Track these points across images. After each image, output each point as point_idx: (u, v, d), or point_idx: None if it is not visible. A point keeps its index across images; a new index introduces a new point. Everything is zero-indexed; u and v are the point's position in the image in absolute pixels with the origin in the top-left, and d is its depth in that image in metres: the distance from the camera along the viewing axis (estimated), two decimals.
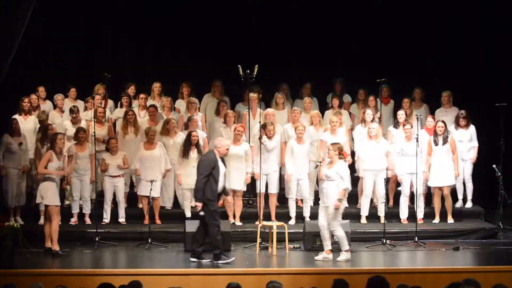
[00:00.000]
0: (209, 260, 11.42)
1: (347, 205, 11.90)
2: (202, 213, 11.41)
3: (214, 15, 15.35)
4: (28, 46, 13.06)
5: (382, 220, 13.24)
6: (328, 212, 11.54)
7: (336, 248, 11.62)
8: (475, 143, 13.83)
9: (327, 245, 11.59)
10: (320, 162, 12.00)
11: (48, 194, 11.76)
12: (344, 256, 11.52)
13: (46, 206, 11.88)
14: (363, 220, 13.42)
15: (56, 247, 11.80)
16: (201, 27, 15.43)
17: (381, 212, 13.34)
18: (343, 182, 11.45)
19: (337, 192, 11.44)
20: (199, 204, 11.40)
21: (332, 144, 11.84)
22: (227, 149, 11.75)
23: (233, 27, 15.31)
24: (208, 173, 11.37)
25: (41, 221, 13.11)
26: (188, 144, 13.18)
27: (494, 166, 13.30)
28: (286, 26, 15.42)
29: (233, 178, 12.97)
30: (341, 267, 11.23)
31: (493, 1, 14.41)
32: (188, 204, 13.36)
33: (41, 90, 14.48)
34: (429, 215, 13.59)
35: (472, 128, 13.80)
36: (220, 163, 11.57)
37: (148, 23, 15.28)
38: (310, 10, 15.37)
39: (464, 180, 13.88)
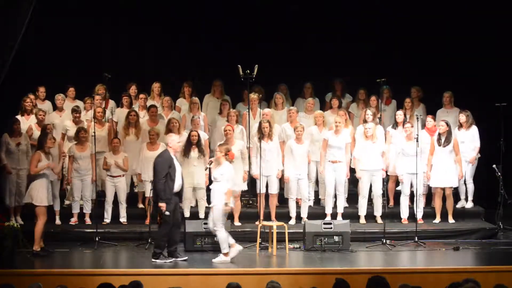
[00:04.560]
0: (184, 259, 11.43)
1: (232, 206, 11.80)
2: (167, 213, 11.31)
3: (214, 15, 15.35)
4: (28, 46, 13.05)
5: (379, 220, 13.26)
6: (213, 212, 11.45)
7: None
8: (477, 144, 13.81)
9: (225, 247, 11.37)
10: (210, 164, 11.95)
11: (37, 194, 11.67)
12: (221, 258, 11.35)
13: (34, 206, 11.71)
14: (362, 220, 13.42)
15: (36, 247, 11.67)
16: (201, 27, 15.44)
17: (378, 211, 13.35)
18: (227, 184, 11.32)
19: (223, 193, 11.33)
20: (163, 205, 11.29)
21: (219, 145, 11.81)
22: (178, 142, 11.64)
23: (233, 27, 15.31)
24: (166, 172, 11.32)
25: None
26: (188, 144, 13.18)
27: (494, 166, 13.31)
28: (286, 26, 15.43)
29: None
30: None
31: (493, 1, 14.41)
32: (188, 203, 13.33)
33: (42, 90, 14.43)
34: (428, 215, 13.59)
35: (474, 128, 13.77)
36: (175, 162, 11.53)
37: (148, 23, 15.27)
38: (310, 10, 15.38)
39: (465, 181, 13.87)
